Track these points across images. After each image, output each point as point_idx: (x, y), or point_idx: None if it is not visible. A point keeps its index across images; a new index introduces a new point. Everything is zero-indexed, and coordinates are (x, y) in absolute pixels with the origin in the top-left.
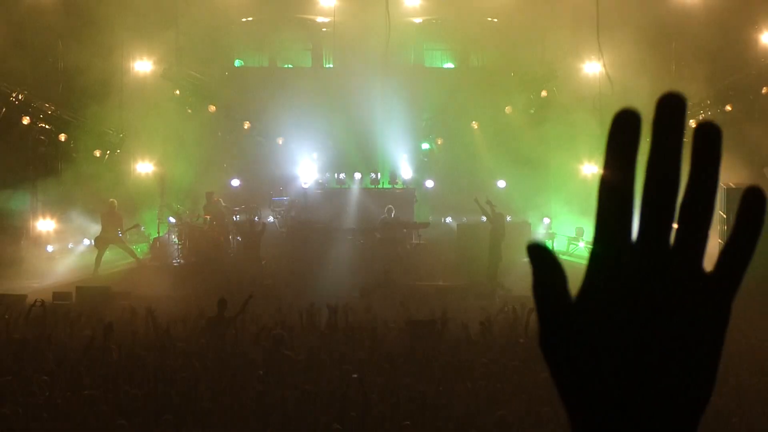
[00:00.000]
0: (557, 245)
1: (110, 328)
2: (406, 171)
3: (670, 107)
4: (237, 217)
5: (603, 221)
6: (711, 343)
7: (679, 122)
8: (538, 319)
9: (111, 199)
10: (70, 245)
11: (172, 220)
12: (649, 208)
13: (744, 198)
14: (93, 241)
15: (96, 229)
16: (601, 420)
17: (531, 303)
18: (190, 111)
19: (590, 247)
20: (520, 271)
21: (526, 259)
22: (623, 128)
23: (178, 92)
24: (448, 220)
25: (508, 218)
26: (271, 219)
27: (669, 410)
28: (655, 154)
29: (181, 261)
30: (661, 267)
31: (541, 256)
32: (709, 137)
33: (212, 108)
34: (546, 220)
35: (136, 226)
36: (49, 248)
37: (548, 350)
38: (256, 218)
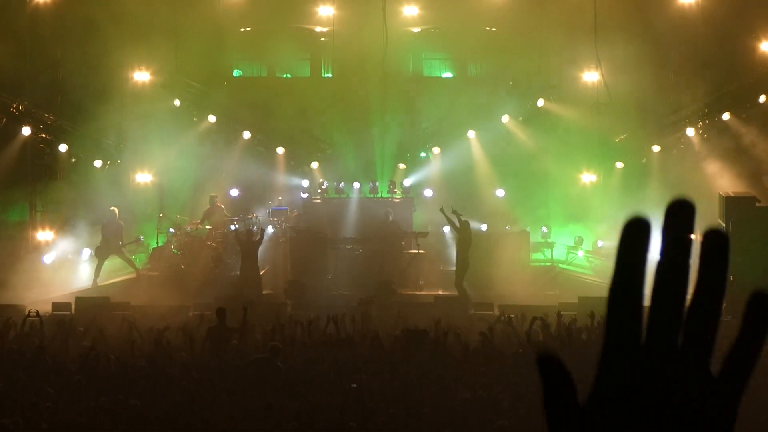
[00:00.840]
0: (556, 254)
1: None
2: (404, 180)
3: (680, 214)
4: (235, 227)
5: (613, 323)
6: None
7: (687, 228)
8: (548, 429)
9: (112, 208)
10: (70, 255)
11: (172, 230)
12: (658, 311)
13: (750, 303)
14: (94, 250)
15: (96, 239)
16: None
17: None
18: (195, 120)
19: (601, 349)
20: (519, 280)
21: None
22: (634, 235)
23: (177, 102)
24: (446, 229)
25: (507, 227)
26: (271, 229)
27: None
28: (664, 257)
29: (181, 270)
30: (669, 367)
31: (550, 369)
32: (717, 244)
33: (212, 118)
34: (544, 230)
35: (137, 240)
36: (48, 259)
37: None
38: (254, 228)
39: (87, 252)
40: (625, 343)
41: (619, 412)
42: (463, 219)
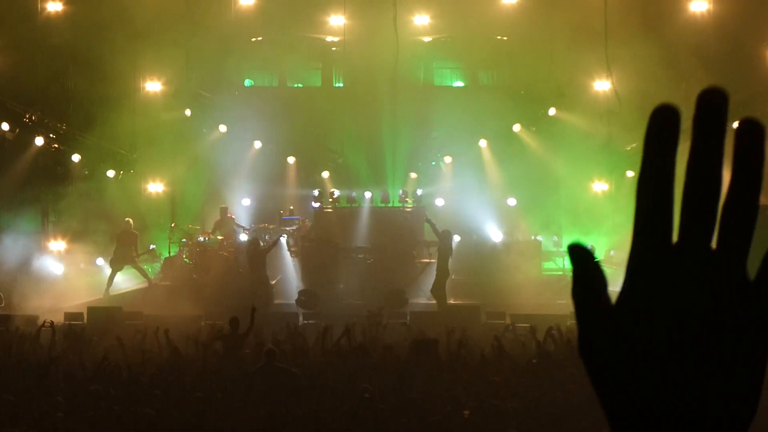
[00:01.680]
0: (567, 263)
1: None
2: (416, 189)
3: (711, 103)
4: (243, 237)
5: (642, 222)
6: (755, 351)
7: (720, 119)
8: (577, 324)
9: (127, 219)
10: (82, 265)
11: (184, 240)
12: (690, 209)
13: None
14: (108, 260)
15: (108, 249)
16: (641, 427)
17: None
18: (200, 131)
19: (629, 248)
20: (532, 291)
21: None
22: (661, 124)
23: (188, 112)
24: (456, 238)
25: (519, 237)
26: (284, 238)
27: (712, 421)
28: (696, 151)
29: (193, 280)
30: (703, 270)
31: (581, 257)
32: (752, 135)
33: (223, 128)
34: (555, 238)
35: (151, 250)
36: (61, 268)
37: (588, 355)
38: (267, 237)
39: (99, 261)
40: (655, 242)
41: (649, 314)
42: (442, 230)
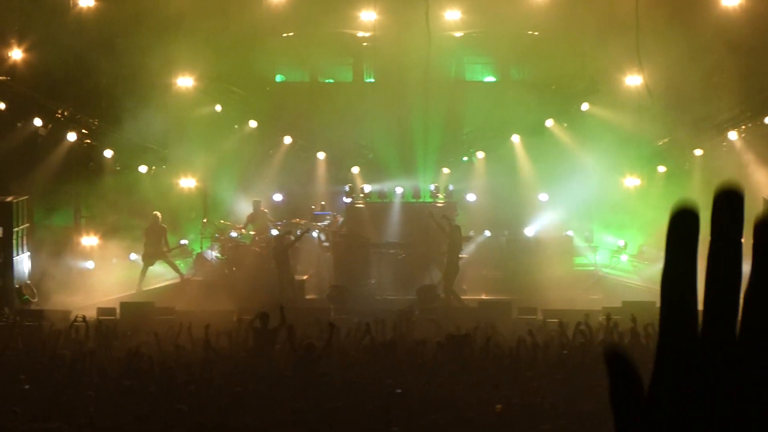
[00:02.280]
0: (600, 259)
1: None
2: (447, 185)
3: (728, 200)
4: (274, 232)
5: (668, 319)
6: None
7: (737, 216)
8: (614, 425)
9: (155, 212)
10: (114, 261)
11: (216, 235)
12: (713, 303)
13: None
14: (141, 256)
15: (141, 244)
16: None
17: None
18: (231, 127)
19: (657, 346)
20: (562, 285)
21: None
22: (682, 225)
23: (218, 108)
24: (486, 233)
25: (551, 233)
26: (315, 233)
27: None
28: (715, 248)
29: (225, 275)
30: (729, 360)
31: (619, 366)
32: None
33: (253, 123)
34: (587, 233)
35: (181, 245)
36: (93, 264)
37: None
38: (298, 231)
39: (132, 257)
40: (681, 341)
41: (678, 412)
42: (453, 224)
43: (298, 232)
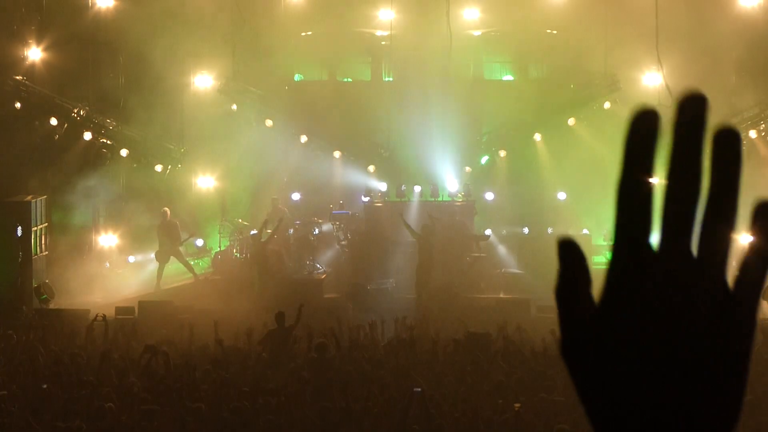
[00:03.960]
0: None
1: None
2: (465, 184)
3: (691, 108)
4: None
5: (622, 226)
6: (737, 355)
7: (699, 124)
8: (559, 324)
9: (164, 209)
10: (132, 260)
11: (235, 234)
12: (670, 213)
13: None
14: (154, 254)
15: (155, 243)
16: (623, 430)
17: None
18: (247, 126)
19: (609, 252)
20: None
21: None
22: (641, 128)
23: (235, 107)
24: (503, 232)
25: (569, 231)
26: (327, 226)
27: (695, 425)
28: (675, 156)
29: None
30: (683, 274)
31: (571, 254)
32: (729, 142)
33: (269, 122)
34: (605, 232)
35: (192, 235)
36: (111, 263)
37: (570, 356)
38: (315, 230)
39: (149, 256)
40: (635, 247)
41: (630, 320)
42: (422, 225)
43: (316, 231)
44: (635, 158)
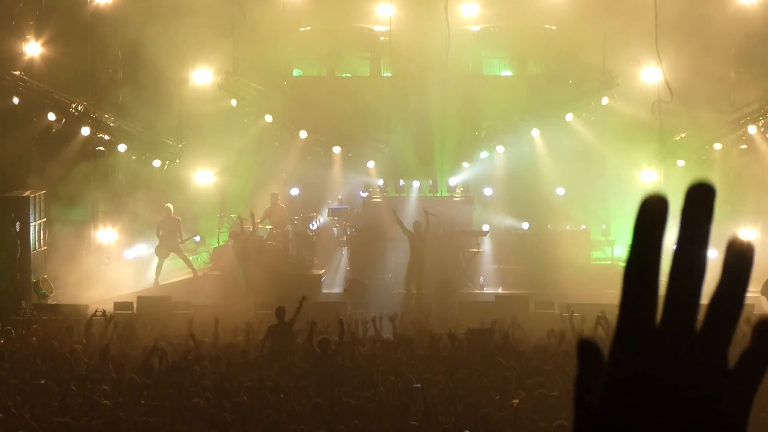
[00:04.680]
0: (616, 252)
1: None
2: (464, 179)
3: (700, 196)
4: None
5: (628, 304)
6: (733, 428)
7: (708, 212)
8: (574, 413)
9: (167, 204)
10: (131, 255)
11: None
12: (675, 293)
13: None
14: (154, 249)
15: (155, 238)
16: None
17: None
18: (246, 121)
19: (615, 330)
20: (579, 279)
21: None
22: (650, 212)
23: (234, 102)
24: (501, 227)
25: (567, 227)
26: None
27: None
28: (683, 241)
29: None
30: (685, 352)
31: (590, 355)
32: (742, 245)
33: (268, 118)
34: (604, 227)
35: (195, 235)
36: (110, 258)
37: None
38: (311, 225)
39: (148, 251)
40: (639, 325)
41: (632, 396)
42: (414, 221)
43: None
44: (644, 241)
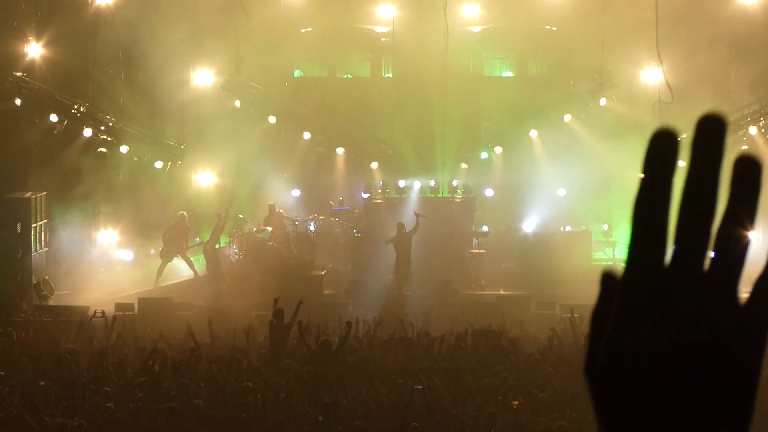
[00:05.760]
0: (618, 254)
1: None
2: (465, 180)
3: (710, 129)
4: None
5: (637, 242)
6: (747, 372)
7: (718, 145)
8: (587, 344)
9: (181, 212)
10: (132, 256)
11: (234, 230)
12: (684, 232)
13: None
14: (159, 252)
15: (158, 240)
16: None
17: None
18: (250, 123)
19: (624, 267)
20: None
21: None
22: (660, 148)
23: (238, 103)
24: (502, 228)
25: (568, 228)
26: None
27: None
28: (693, 176)
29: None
30: (695, 291)
31: (609, 286)
32: (750, 168)
33: (272, 119)
34: (605, 227)
35: (199, 243)
36: (111, 259)
37: (590, 375)
38: (311, 226)
39: (150, 252)
40: (649, 262)
41: (643, 336)
42: (401, 224)
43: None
44: (653, 177)
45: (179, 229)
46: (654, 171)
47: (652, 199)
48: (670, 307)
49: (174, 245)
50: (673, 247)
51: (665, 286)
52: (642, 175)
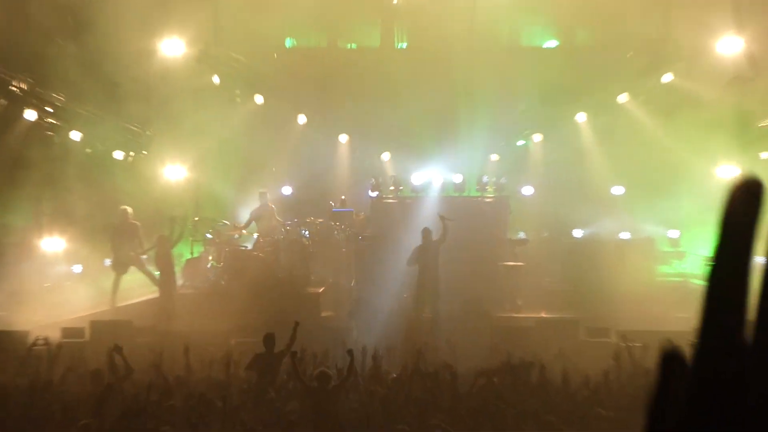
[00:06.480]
0: (688, 266)
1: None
2: (497, 175)
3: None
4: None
5: (713, 310)
6: None
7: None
8: (646, 424)
9: (122, 207)
10: (83, 269)
11: (210, 236)
12: None
13: None
14: (110, 263)
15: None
16: None
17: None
18: (238, 101)
19: (695, 343)
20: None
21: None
22: (741, 201)
23: (217, 79)
24: (544, 235)
25: (627, 235)
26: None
27: None
28: None
29: (222, 287)
30: None
31: (672, 369)
32: None
33: (259, 99)
34: (673, 235)
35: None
36: (58, 273)
37: None
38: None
39: (105, 263)
40: (726, 333)
41: (723, 419)
42: (426, 229)
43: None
44: (733, 236)
45: (124, 230)
46: (735, 226)
47: (730, 269)
48: (750, 382)
49: (123, 251)
50: (756, 321)
51: (745, 358)
52: (720, 231)
